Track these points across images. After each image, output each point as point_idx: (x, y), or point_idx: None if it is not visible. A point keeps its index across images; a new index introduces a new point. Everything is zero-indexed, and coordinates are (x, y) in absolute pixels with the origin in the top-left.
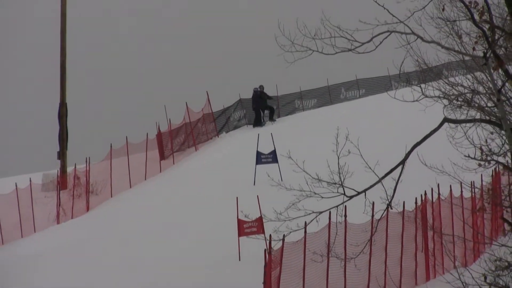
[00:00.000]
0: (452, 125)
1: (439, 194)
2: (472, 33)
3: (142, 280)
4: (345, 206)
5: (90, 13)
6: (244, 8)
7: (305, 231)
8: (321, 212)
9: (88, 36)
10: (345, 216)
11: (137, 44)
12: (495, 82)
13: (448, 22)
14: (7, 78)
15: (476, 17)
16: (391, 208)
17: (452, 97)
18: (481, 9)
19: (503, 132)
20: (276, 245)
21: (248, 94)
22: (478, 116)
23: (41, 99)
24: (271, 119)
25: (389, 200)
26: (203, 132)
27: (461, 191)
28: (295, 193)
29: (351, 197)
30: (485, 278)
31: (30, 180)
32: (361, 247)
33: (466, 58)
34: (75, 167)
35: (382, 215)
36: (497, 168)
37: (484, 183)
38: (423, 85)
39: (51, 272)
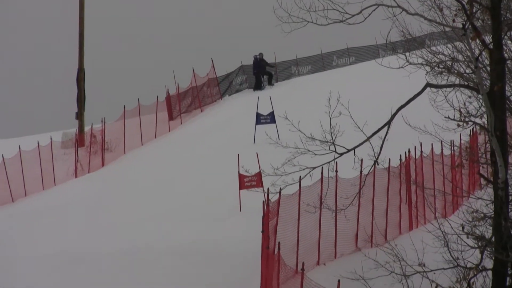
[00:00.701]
0: (434, 89)
1: (421, 151)
2: (452, 7)
3: (150, 229)
4: (336, 162)
5: None
6: None
7: (300, 185)
8: (314, 168)
9: (104, 6)
10: (336, 171)
11: (148, 16)
12: (473, 51)
13: None
14: (31, 47)
15: None
16: (378, 164)
17: (434, 64)
18: None
19: (479, 96)
20: (274, 198)
21: (249, 61)
22: (457, 81)
23: (62, 65)
24: (270, 83)
25: (376, 157)
26: (208, 95)
27: (442, 149)
28: (291, 150)
29: (341, 154)
30: (463, 228)
31: (51, 138)
32: (350, 200)
33: (447, 29)
34: (91, 126)
35: (369, 170)
36: (474, 128)
37: (462, 142)
38: (407, 53)
39: (68, 221)
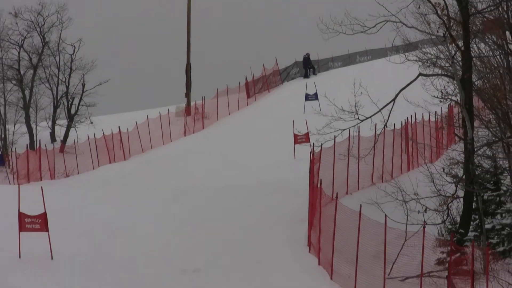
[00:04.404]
0: (424, 77)
1: (415, 118)
2: (436, 22)
3: (234, 172)
4: (359, 126)
5: None
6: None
7: (335, 141)
8: (344, 129)
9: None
10: (359, 132)
11: (234, 19)
12: (450, 51)
13: (422, 15)
14: (157, 45)
15: (439, 11)
16: (386, 127)
17: (424, 60)
18: (442, 6)
19: (455, 81)
20: (317, 149)
21: (300, 58)
22: (440, 71)
23: (176, 60)
24: (314, 73)
25: (385, 122)
26: (273, 81)
27: (429, 117)
28: (328, 118)
29: (362, 120)
30: (444, 169)
31: (168, 110)
32: (368, 151)
33: (433, 37)
34: (195, 102)
35: (381, 131)
36: (451, 103)
37: (443, 112)
38: (406, 53)
39: (179, 165)
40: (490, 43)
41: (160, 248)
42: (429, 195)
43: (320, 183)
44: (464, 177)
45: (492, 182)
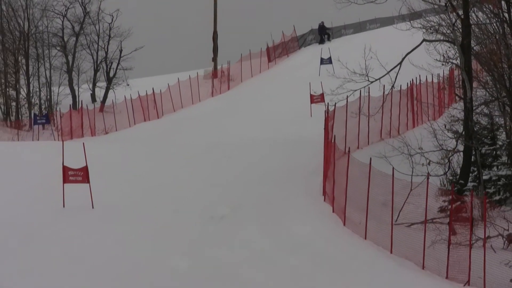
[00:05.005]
0: (428, 43)
1: (420, 80)
2: None
3: (258, 128)
4: (369, 87)
5: None
6: None
7: (347, 100)
8: (355, 90)
9: None
10: (369, 92)
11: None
12: (451, 19)
13: None
14: (185, 16)
15: None
16: (394, 88)
17: (428, 27)
18: None
19: (455, 46)
20: (331, 108)
21: (316, 26)
22: (442, 37)
23: (204, 28)
24: (329, 40)
25: (393, 84)
26: (291, 47)
27: (432, 78)
28: (341, 80)
29: (372, 82)
30: (445, 126)
31: (197, 73)
32: (377, 109)
33: (436, 6)
34: (221, 66)
35: (388, 91)
36: (452, 66)
37: (445, 74)
38: (411, 21)
39: (207, 123)
40: (487, 12)
41: (191, 197)
42: (432, 149)
43: (334, 139)
44: (463, 133)
45: (489, 137)
